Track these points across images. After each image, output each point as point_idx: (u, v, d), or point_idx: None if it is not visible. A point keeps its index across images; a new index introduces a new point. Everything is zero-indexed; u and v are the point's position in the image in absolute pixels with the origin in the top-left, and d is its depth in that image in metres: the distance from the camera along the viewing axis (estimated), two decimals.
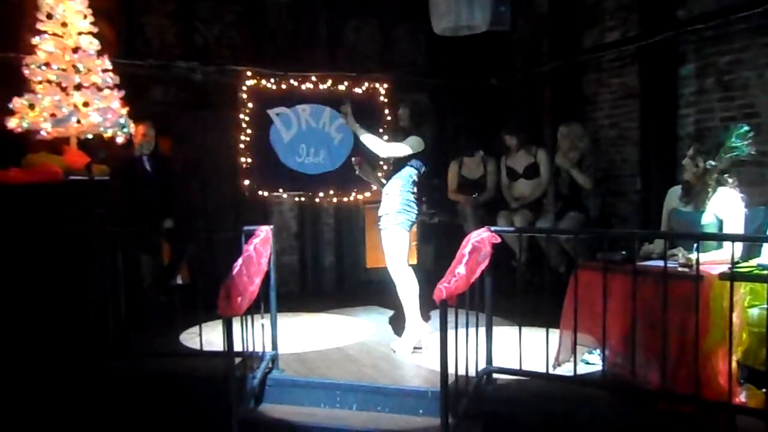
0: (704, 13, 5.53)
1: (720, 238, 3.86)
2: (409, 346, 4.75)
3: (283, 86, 7.14)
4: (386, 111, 7.14)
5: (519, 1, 7.24)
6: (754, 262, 3.64)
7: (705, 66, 5.61)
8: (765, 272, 3.35)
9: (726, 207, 3.89)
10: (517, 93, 7.84)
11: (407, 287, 4.74)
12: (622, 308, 3.68)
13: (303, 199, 7.40)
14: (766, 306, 3.20)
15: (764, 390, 3.29)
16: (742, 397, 3.39)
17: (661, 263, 3.53)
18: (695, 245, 3.57)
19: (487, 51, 7.76)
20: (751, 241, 3.86)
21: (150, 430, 3.92)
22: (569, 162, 5.90)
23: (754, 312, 3.38)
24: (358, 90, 7.27)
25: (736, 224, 3.86)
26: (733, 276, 3.25)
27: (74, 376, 4.26)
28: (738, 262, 3.45)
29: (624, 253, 3.93)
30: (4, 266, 4.63)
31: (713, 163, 3.90)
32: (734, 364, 3.33)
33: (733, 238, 3.62)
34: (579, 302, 3.77)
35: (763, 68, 5.14)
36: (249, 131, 7.05)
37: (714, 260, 3.62)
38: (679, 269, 3.61)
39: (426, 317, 4.92)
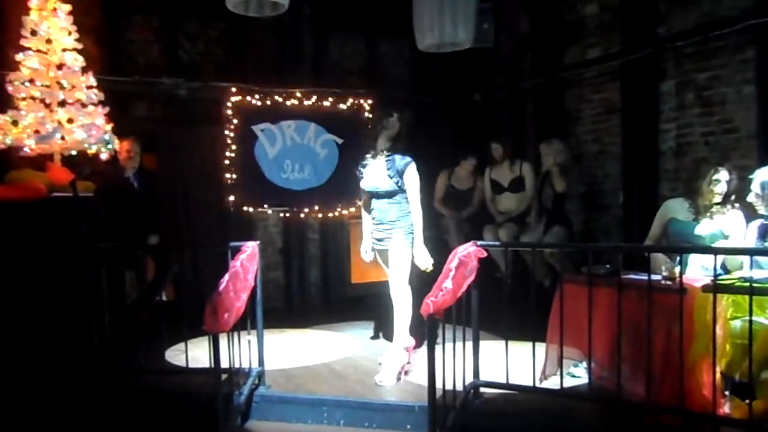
0: (684, 31, 5.64)
1: (702, 251, 3.91)
2: (393, 375, 4.53)
3: (268, 102, 7.16)
4: (369, 127, 7.15)
5: (501, 18, 7.35)
6: (736, 274, 3.69)
7: (685, 82, 5.71)
8: (746, 284, 3.40)
9: (733, 225, 4.03)
10: (500, 109, 7.91)
11: (409, 305, 4.55)
12: (607, 321, 3.71)
13: (288, 214, 7.40)
14: (748, 318, 3.25)
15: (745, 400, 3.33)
16: (726, 408, 3.42)
17: (645, 276, 3.58)
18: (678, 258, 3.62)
19: (470, 68, 7.84)
20: (732, 254, 3.92)
21: None
22: (552, 166, 6.00)
23: (737, 324, 3.42)
24: (342, 106, 7.32)
25: (737, 242, 3.97)
26: (715, 288, 3.30)
27: (59, 394, 4.21)
28: (720, 275, 3.50)
29: (608, 266, 3.98)
30: None
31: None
32: (718, 376, 3.37)
33: (715, 251, 3.67)
34: (564, 316, 3.80)
35: (740, 84, 5.24)
36: (234, 147, 7.05)
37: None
38: (663, 282, 3.65)
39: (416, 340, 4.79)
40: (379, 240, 4.62)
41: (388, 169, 4.50)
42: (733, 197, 4.11)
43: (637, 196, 6.00)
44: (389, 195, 4.53)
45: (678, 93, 5.78)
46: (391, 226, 4.54)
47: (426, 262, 4.51)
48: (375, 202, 4.63)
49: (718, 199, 4.11)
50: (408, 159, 4.51)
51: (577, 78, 6.87)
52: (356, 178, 4.73)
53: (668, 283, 3.64)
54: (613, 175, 6.47)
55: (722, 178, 4.11)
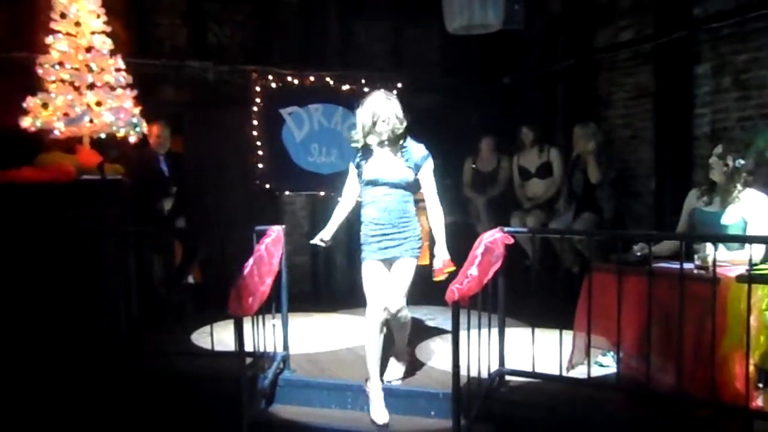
0: (720, 12, 5.46)
1: (737, 239, 3.80)
2: (401, 370, 4.31)
3: (296, 84, 7.13)
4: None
5: None
6: None
7: (721, 65, 5.54)
8: None
9: (754, 209, 3.84)
10: (530, 92, 7.78)
11: (409, 320, 4.14)
12: (636, 310, 3.64)
13: (315, 198, 7.40)
14: None
15: None
16: (759, 402, 3.34)
17: (676, 265, 3.49)
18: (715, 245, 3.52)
19: (500, 50, 7.72)
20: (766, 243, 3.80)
21: (160, 429, 3.92)
22: (587, 153, 5.87)
23: None
24: (369, 89, 7.24)
25: (763, 226, 3.81)
26: (750, 278, 3.20)
27: (86, 376, 4.26)
28: (756, 264, 3.40)
29: (638, 254, 3.89)
30: (17, 266, 4.64)
31: (743, 161, 3.87)
32: (752, 368, 3.27)
33: (750, 239, 3.57)
34: (593, 304, 3.73)
35: None
36: (261, 131, 7.06)
37: (734, 260, 3.58)
38: (696, 271, 3.56)
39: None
40: (384, 248, 3.95)
41: (406, 160, 3.95)
42: (745, 179, 3.94)
43: (670, 182, 5.86)
44: (405, 188, 3.95)
45: (714, 76, 5.61)
46: (402, 230, 3.93)
47: (444, 266, 3.90)
48: (382, 196, 3.95)
49: (716, 176, 3.98)
50: (426, 152, 3.98)
51: (609, 61, 6.72)
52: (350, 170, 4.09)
53: (701, 272, 3.55)
54: (645, 161, 6.33)
55: (715, 152, 3.99)
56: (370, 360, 3.94)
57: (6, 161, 5.25)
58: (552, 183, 6.45)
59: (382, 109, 3.87)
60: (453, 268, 3.85)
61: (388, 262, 3.97)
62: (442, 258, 3.91)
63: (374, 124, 3.88)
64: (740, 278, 3.28)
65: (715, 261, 3.37)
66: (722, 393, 3.29)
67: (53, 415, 4.00)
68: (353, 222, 7.62)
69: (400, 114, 3.92)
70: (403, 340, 4.22)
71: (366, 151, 4.00)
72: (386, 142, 3.92)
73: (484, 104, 7.91)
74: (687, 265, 3.49)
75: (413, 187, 4.00)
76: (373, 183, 3.96)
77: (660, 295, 3.49)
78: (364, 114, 3.92)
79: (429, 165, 3.98)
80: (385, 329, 4.01)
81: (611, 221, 5.92)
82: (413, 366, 4.47)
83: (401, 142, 3.96)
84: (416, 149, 3.97)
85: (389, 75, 7.39)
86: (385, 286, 3.93)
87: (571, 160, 6.20)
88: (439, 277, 3.89)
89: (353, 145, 4.06)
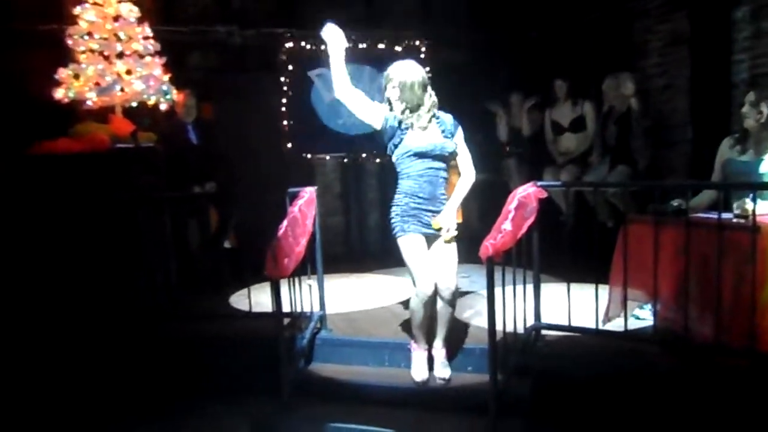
0: None
1: None
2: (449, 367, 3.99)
3: (323, 47, 7.07)
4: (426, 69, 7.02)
5: None
6: None
7: (761, 8, 5.34)
8: None
9: None
10: (561, 44, 7.62)
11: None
12: (673, 261, 3.60)
13: (346, 159, 7.40)
14: None
15: None
16: None
17: (714, 215, 3.43)
18: (751, 195, 3.45)
19: (528, 2, 7.54)
20: None
21: (202, 391, 4.01)
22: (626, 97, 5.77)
23: None
24: (397, 48, 7.18)
25: None
26: None
27: (126, 340, 4.37)
28: None
29: (675, 204, 3.83)
30: (56, 235, 4.74)
31: None
32: None
33: None
34: (629, 256, 3.69)
35: None
36: (290, 94, 7.05)
37: None
38: (735, 220, 3.50)
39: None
40: (426, 223, 3.76)
41: (443, 131, 3.79)
42: None
43: (707, 132, 5.72)
44: (446, 159, 3.79)
45: (753, 20, 5.42)
46: (440, 207, 3.78)
47: (450, 227, 3.74)
48: (424, 170, 3.75)
49: (749, 124, 3.87)
50: (455, 121, 3.85)
51: (642, 8, 6.53)
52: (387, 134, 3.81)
53: (740, 221, 3.48)
54: (681, 111, 6.18)
55: (747, 100, 3.88)
56: (416, 328, 3.88)
57: (42, 133, 5.34)
58: (585, 137, 6.34)
59: (394, 73, 3.77)
60: (447, 236, 3.73)
61: (427, 237, 3.80)
62: (444, 216, 3.75)
63: (386, 88, 3.82)
64: None
65: (755, 210, 3.31)
66: (762, 343, 3.25)
67: (95, 379, 4.11)
68: (387, 185, 7.66)
69: (418, 79, 3.74)
70: (452, 318, 3.92)
71: (402, 122, 3.79)
72: (411, 112, 3.77)
73: (513, 58, 7.77)
74: (725, 215, 3.43)
75: (451, 158, 3.83)
76: (415, 155, 3.73)
77: (698, 246, 3.44)
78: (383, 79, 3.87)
79: (461, 133, 3.85)
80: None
81: (646, 173, 5.82)
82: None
83: (432, 112, 3.80)
84: (447, 118, 3.84)
85: (416, 32, 7.29)
86: (433, 262, 3.77)
87: (604, 112, 6.09)
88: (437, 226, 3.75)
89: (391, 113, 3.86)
